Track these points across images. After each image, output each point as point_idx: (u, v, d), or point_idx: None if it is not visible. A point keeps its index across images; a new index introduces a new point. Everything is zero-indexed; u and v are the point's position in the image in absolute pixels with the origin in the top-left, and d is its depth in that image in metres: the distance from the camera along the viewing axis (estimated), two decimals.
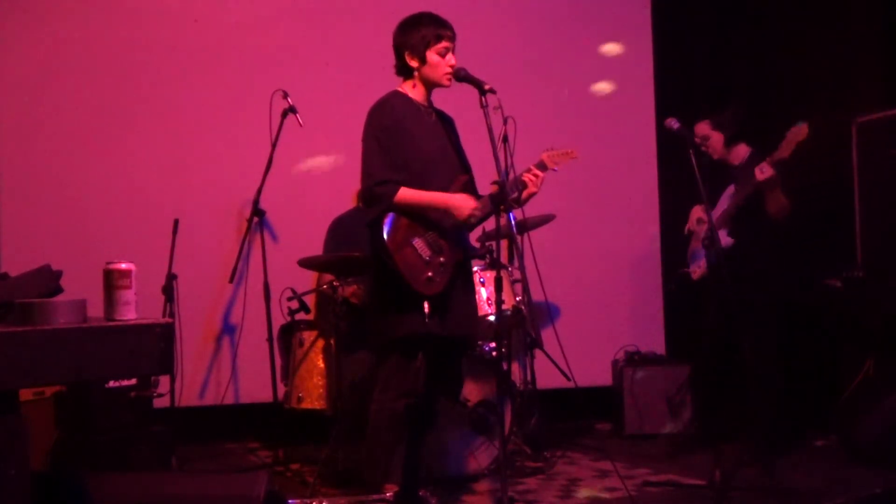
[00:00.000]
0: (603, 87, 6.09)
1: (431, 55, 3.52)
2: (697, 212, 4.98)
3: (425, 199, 3.49)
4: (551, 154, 3.75)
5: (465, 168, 3.71)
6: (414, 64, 3.55)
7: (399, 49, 3.58)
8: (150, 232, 5.10)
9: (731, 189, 4.81)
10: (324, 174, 5.55)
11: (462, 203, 3.51)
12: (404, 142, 3.50)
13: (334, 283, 4.42)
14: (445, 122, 3.73)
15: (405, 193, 3.45)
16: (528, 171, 3.62)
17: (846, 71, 5.59)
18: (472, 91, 3.46)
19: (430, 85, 3.61)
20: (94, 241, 5.14)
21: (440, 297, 3.46)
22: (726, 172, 4.92)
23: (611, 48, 6.13)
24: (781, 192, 4.61)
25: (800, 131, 4.40)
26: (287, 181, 5.28)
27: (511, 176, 3.62)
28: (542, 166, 3.68)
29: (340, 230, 5.02)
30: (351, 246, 4.65)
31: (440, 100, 3.73)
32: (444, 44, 3.53)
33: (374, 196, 3.45)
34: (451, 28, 3.56)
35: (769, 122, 5.93)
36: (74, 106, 5.29)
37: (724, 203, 4.81)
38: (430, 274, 3.44)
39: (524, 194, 3.60)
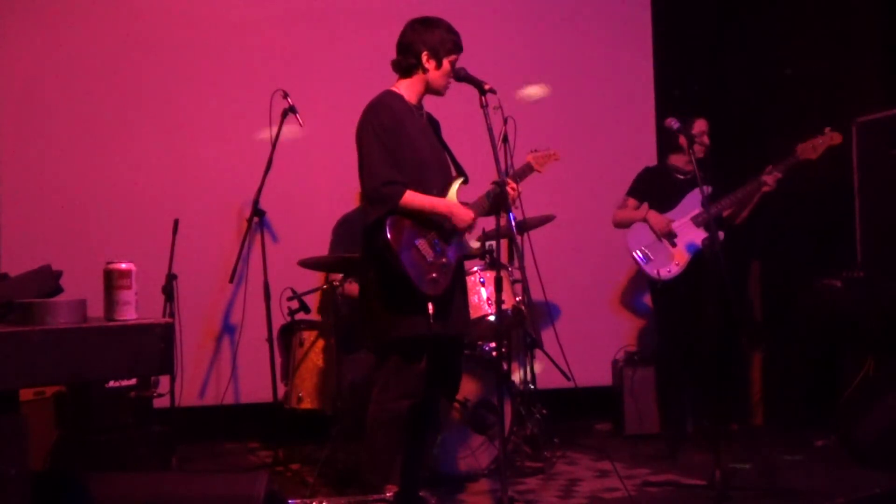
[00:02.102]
0: (603, 86, 6.08)
1: (446, 62, 3.54)
2: (661, 216, 5.02)
3: (429, 204, 3.49)
4: (536, 156, 3.76)
5: (458, 169, 3.71)
6: (430, 65, 3.55)
7: (413, 46, 3.55)
8: (150, 232, 5.10)
9: (696, 192, 4.87)
10: (324, 174, 5.55)
11: (464, 215, 3.53)
12: (403, 142, 3.50)
13: (334, 283, 4.42)
14: (433, 123, 3.74)
15: (411, 196, 3.44)
16: (506, 184, 3.58)
17: (846, 71, 5.59)
18: (472, 91, 3.47)
19: (430, 89, 3.61)
20: (94, 241, 5.14)
21: (442, 298, 3.46)
22: (668, 178, 5.08)
23: (611, 48, 6.12)
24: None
25: (834, 137, 4.63)
26: (287, 181, 5.28)
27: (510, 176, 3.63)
28: (528, 168, 3.70)
29: (346, 229, 5.01)
30: (357, 245, 4.65)
31: (441, 99, 3.73)
32: (457, 55, 3.57)
33: (381, 196, 3.43)
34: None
35: (769, 122, 5.96)
36: (74, 106, 5.30)
37: (692, 206, 4.94)
38: (434, 275, 3.44)
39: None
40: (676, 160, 5.13)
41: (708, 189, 4.90)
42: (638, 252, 5.03)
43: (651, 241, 5.01)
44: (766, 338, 5.73)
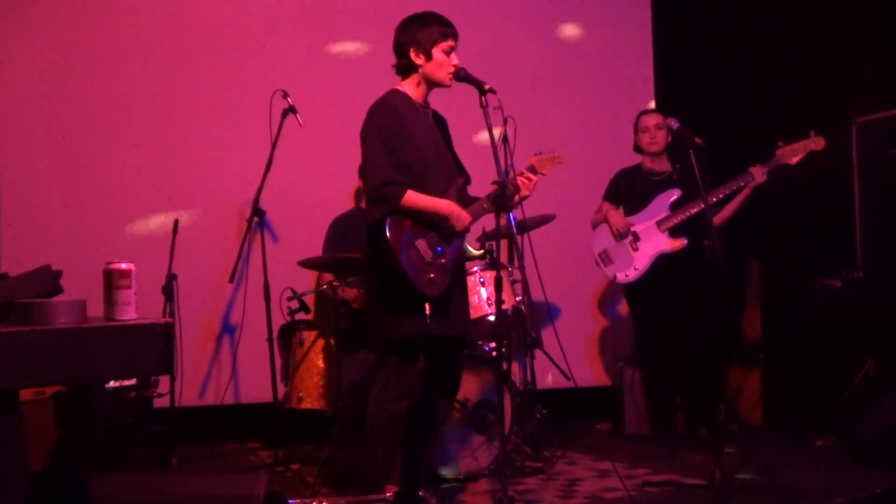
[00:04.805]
0: (603, 86, 6.08)
1: (437, 53, 3.52)
2: (620, 215, 5.02)
3: (430, 205, 3.49)
4: (540, 158, 3.76)
5: (461, 170, 3.70)
6: (419, 61, 3.53)
7: (403, 46, 3.55)
8: (150, 232, 5.10)
9: (672, 193, 4.91)
10: (324, 174, 5.55)
11: (463, 217, 3.52)
12: (406, 142, 3.50)
13: (334, 284, 4.42)
14: (440, 122, 3.73)
15: (412, 196, 3.45)
16: (521, 174, 3.62)
17: (846, 71, 5.59)
18: (472, 91, 3.47)
19: (431, 84, 3.60)
20: (94, 241, 5.14)
21: (441, 298, 3.46)
22: (643, 179, 5.06)
23: (611, 48, 6.12)
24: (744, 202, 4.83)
25: (817, 141, 4.60)
26: (287, 181, 5.27)
27: (511, 176, 3.63)
28: (532, 170, 3.70)
29: (340, 230, 5.02)
30: (351, 246, 4.65)
31: (440, 100, 3.73)
32: (449, 42, 3.53)
33: (382, 196, 3.44)
34: (454, 28, 3.56)
35: (768, 122, 5.96)
36: (74, 106, 5.29)
37: (661, 207, 4.92)
38: (432, 275, 3.44)
39: (516, 198, 3.61)
40: (647, 161, 5.13)
41: (677, 193, 4.92)
42: (599, 254, 5.04)
43: (613, 242, 5.00)
44: (765, 346, 5.72)
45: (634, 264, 4.92)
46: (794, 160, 4.63)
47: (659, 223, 4.90)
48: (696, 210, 4.76)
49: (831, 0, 5.69)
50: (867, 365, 4.58)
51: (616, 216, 5.00)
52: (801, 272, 5.29)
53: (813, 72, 5.72)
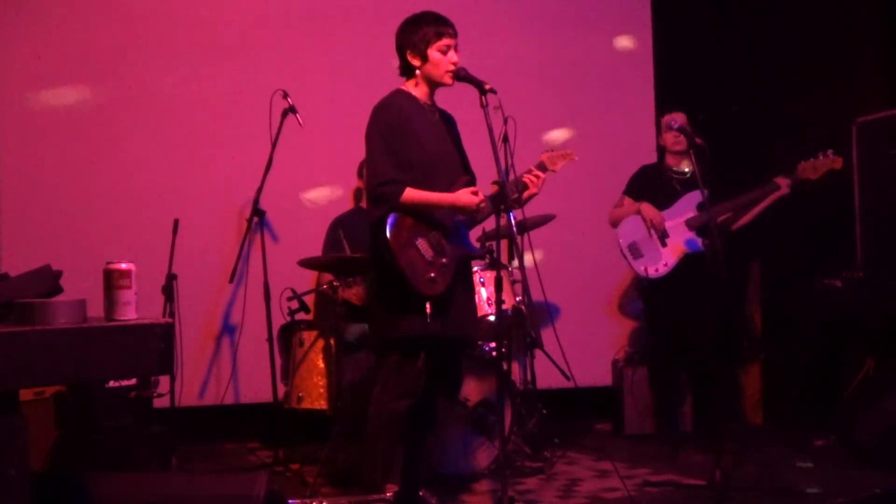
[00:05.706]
0: (603, 86, 6.08)
1: (433, 53, 3.51)
2: (655, 209, 5.01)
3: (431, 200, 3.49)
4: (551, 155, 3.76)
5: (466, 168, 3.70)
6: (416, 62, 3.54)
7: (401, 48, 3.57)
8: (150, 232, 5.10)
9: (695, 195, 4.89)
10: (324, 174, 5.55)
11: (468, 199, 3.51)
12: (409, 141, 3.49)
13: (334, 283, 4.42)
14: (447, 121, 3.72)
15: (411, 193, 3.44)
16: (529, 171, 3.64)
17: (846, 71, 5.59)
18: (473, 91, 3.47)
19: (432, 84, 3.60)
20: (94, 241, 5.14)
21: (441, 298, 3.46)
22: (665, 177, 5.07)
23: (611, 48, 6.12)
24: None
25: (836, 161, 4.64)
26: (287, 181, 5.28)
27: (511, 176, 3.63)
28: (542, 167, 3.69)
29: (340, 230, 5.02)
30: (351, 246, 4.66)
31: (440, 100, 3.73)
32: (445, 41, 3.52)
33: (381, 195, 3.44)
34: (452, 26, 3.55)
35: (770, 122, 5.96)
36: (74, 106, 5.30)
37: (688, 207, 4.93)
38: (432, 274, 3.44)
39: (524, 195, 3.62)
40: (671, 159, 5.14)
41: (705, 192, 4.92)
42: (627, 246, 5.03)
43: (642, 236, 5.00)
44: (765, 346, 5.73)
45: (664, 260, 4.93)
46: (814, 176, 4.68)
47: (688, 221, 4.91)
48: (728, 207, 4.79)
49: (831, 0, 5.69)
50: (867, 365, 4.59)
51: (651, 209, 4.99)
52: (802, 273, 5.30)
53: (813, 72, 5.72)
